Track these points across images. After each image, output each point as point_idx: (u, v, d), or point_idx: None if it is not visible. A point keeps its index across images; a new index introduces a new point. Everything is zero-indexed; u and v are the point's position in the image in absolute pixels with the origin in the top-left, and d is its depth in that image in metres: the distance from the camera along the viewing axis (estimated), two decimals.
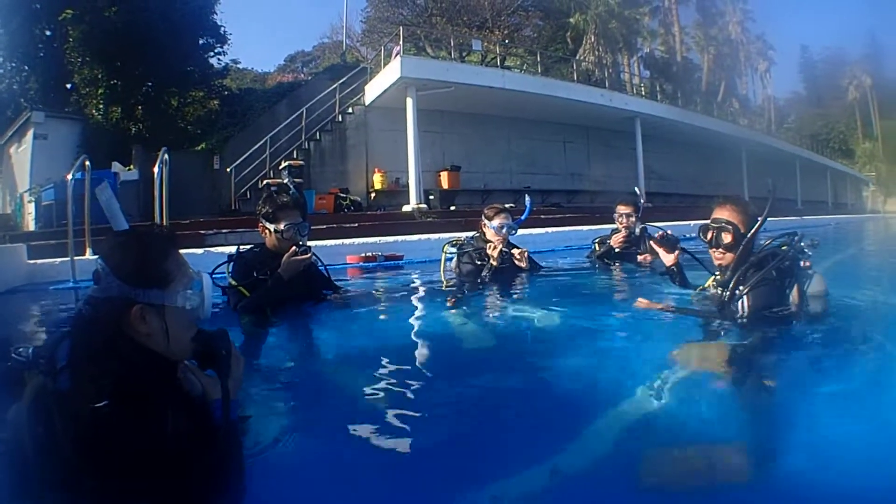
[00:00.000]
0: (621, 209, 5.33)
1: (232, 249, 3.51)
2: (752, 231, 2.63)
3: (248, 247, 3.48)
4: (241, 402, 1.62)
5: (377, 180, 17.37)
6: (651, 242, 3.51)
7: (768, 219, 2.68)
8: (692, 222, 6.84)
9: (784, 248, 2.62)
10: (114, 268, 1.33)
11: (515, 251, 4.45)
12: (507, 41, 26.27)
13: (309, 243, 3.44)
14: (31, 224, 14.76)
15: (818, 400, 1.98)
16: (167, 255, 1.42)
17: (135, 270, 1.35)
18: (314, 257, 3.44)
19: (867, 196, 50.97)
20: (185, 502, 1.26)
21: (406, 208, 15.33)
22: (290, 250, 3.20)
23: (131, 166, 15.46)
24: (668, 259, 3.30)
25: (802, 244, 2.63)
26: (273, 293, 3.16)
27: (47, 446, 1.17)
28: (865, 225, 21.76)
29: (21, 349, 1.30)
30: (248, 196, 16.30)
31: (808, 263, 2.60)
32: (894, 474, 1.47)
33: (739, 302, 2.55)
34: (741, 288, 2.55)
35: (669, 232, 3.33)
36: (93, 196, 7.02)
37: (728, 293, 2.59)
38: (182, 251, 1.49)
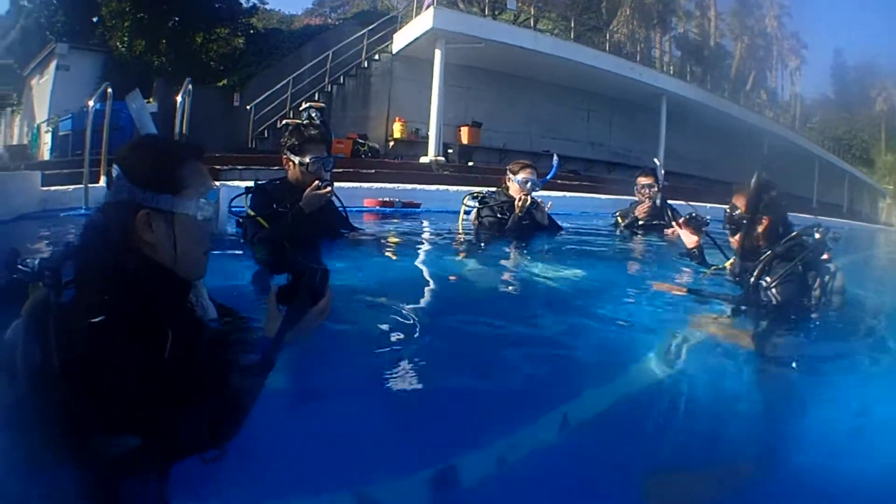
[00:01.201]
0: (642, 180, 5.35)
1: (248, 183, 3.42)
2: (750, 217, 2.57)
3: (268, 180, 3.40)
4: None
5: (397, 129, 17.28)
6: (677, 223, 3.41)
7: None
8: (708, 205, 6.46)
9: (806, 238, 2.53)
10: (126, 169, 1.25)
11: (539, 201, 4.42)
12: (541, 3, 25.83)
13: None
14: (46, 154, 14.79)
15: (831, 391, 1.92)
16: (183, 162, 1.31)
17: (146, 173, 1.25)
18: (334, 195, 3.40)
19: (883, 208, 50.64)
20: (174, 438, 1.15)
21: (423, 160, 15.27)
22: (313, 184, 3.14)
23: (151, 99, 15.38)
24: (690, 241, 3.25)
25: (826, 237, 2.53)
26: (292, 226, 3.09)
27: (38, 365, 1.06)
28: (877, 235, 21.65)
29: (28, 260, 1.18)
30: (266, 135, 16.26)
31: (828, 256, 2.52)
32: None
33: (769, 292, 2.44)
34: (767, 279, 2.45)
35: (697, 215, 3.25)
36: (112, 125, 7.03)
37: (753, 279, 2.49)
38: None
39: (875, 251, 11.14)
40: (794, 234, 2.56)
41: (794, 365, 2.12)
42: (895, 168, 53.88)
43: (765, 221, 2.55)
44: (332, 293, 1.44)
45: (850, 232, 18.27)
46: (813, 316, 2.44)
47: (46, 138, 15.12)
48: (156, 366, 1.13)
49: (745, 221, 2.58)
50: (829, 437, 1.58)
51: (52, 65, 16.78)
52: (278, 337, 1.32)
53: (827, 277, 2.48)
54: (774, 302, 2.40)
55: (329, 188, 3.21)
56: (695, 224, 3.17)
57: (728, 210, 2.66)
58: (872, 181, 46.06)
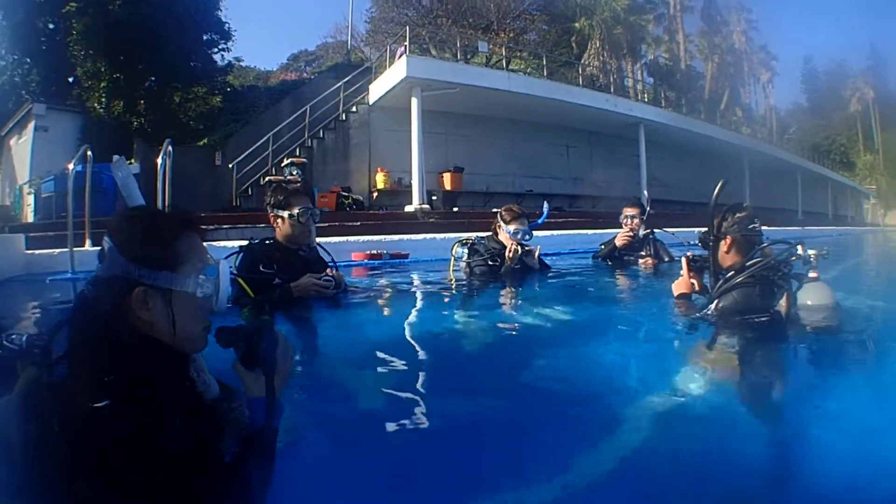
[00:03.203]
0: (628, 211, 5.42)
1: (234, 244, 3.50)
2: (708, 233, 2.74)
3: (259, 240, 3.42)
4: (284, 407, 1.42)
5: (380, 180, 17.34)
6: (683, 260, 3.32)
7: (771, 228, 2.70)
8: (695, 229, 6.89)
9: (779, 254, 2.62)
10: (120, 244, 1.20)
11: (528, 247, 4.48)
12: (511, 44, 26.24)
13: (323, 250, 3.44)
14: (29, 216, 14.74)
15: (822, 407, 1.93)
16: (179, 236, 1.26)
17: (141, 247, 1.20)
18: (315, 259, 3.43)
19: (867, 209, 51.17)
20: None
21: (408, 208, 15.33)
22: (321, 279, 3.18)
23: (132, 160, 15.40)
24: (681, 286, 3.13)
25: (808, 253, 2.62)
26: (278, 300, 3.09)
27: (40, 446, 1.02)
28: (865, 237, 21.85)
29: (14, 336, 1.17)
30: (250, 193, 16.26)
31: (815, 274, 2.60)
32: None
33: (714, 303, 2.63)
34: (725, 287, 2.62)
35: (697, 256, 3.16)
36: (93, 187, 7.02)
37: (714, 293, 2.68)
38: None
39: (861, 257, 11.21)
40: (763, 246, 2.66)
41: (781, 388, 2.17)
42: (875, 167, 54.54)
43: (728, 240, 2.70)
44: (282, 336, 1.39)
45: (839, 238, 18.49)
46: (783, 329, 2.52)
47: (29, 199, 15.07)
48: (166, 451, 1.08)
49: (710, 241, 2.74)
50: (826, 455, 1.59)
51: (31, 125, 16.73)
52: (269, 394, 1.28)
53: (798, 292, 2.57)
54: (712, 311, 2.57)
55: (330, 286, 3.22)
56: (695, 267, 3.08)
57: (702, 235, 2.82)
58: (854, 184, 46.56)
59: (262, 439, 1.25)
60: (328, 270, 3.38)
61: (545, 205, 5.16)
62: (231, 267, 3.13)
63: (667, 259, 5.29)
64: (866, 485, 1.41)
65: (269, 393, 1.28)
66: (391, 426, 1.73)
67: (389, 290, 4.64)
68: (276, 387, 1.30)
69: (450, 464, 1.58)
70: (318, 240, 3.74)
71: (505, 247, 4.38)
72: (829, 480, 1.43)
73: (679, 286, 3.13)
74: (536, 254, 4.50)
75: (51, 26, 18.32)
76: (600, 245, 5.76)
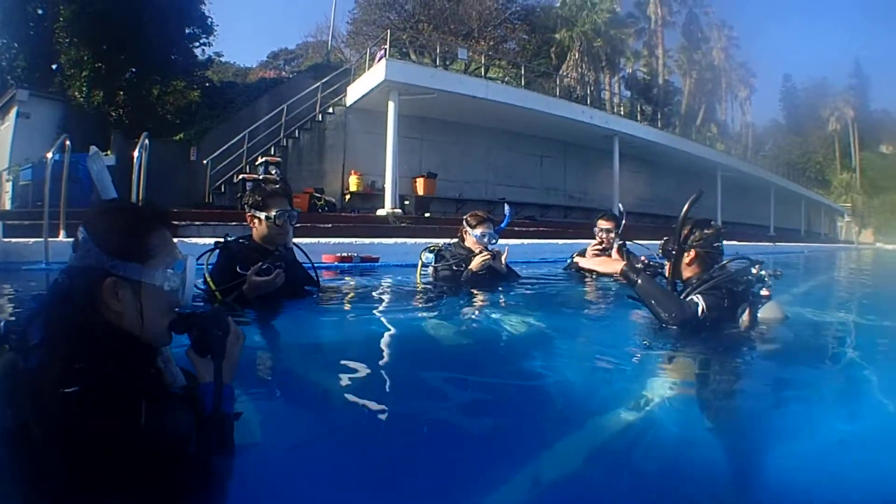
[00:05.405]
0: (602, 224, 5.39)
1: (206, 241, 3.41)
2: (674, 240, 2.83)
3: (234, 238, 3.38)
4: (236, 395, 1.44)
5: (353, 182, 17.33)
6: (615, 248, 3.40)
7: (742, 243, 2.80)
8: (659, 249, 6.99)
9: (740, 272, 2.76)
10: (93, 234, 1.24)
11: (496, 250, 4.45)
12: (491, 52, 26.37)
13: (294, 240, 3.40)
14: (7, 203, 14.56)
15: (785, 417, 2.01)
16: (151, 230, 1.32)
17: (114, 239, 1.25)
18: (291, 260, 3.43)
19: (841, 226, 51.90)
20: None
21: (381, 212, 15.31)
22: (256, 267, 3.07)
23: (109, 152, 15.30)
24: (604, 263, 3.29)
25: (763, 273, 2.77)
26: (240, 300, 3.06)
27: (15, 429, 1.06)
28: (837, 254, 22.21)
29: None
30: (223, 190, 16.21)
31: (767, 293, 2.74)
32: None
33: (698, 306, 2.64)
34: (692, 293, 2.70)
35: (653, 262, 3.32)
36: (70, 177, 7.01)
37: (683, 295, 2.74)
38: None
39: (832, 274, 11.45)
40: (723, 263, 2.77)
41: (741, 397, 2.20)
42: (851, 185, 55.37)
43: (692, 253, 2.80)
44: (233, 323, 1.45)
45: (810, 255, 18.82)
46: (745, 342, 2.62)
47: (7, 187, 14.88)
48: (132, 436, 1.12)
49: (673, 252, 2.82)
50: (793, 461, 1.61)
51: (13, 111, 16.48)
52: (217, 380, 1.32)
53: (760, 307, 2.70)
54: (698, 307, 2.59)
55: (275, 274, 3.09)
56: (650, 271, 3.21)
57: (663, 243, 2.91)
58: (829, 201, 47.12)
59: (212, 423, 1.29)
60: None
61: (506, 207, 5.19)
62: (203, 265, 3.15)
63: None
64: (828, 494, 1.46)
65: (216, 378, 1.33)
66: (357, 426, 1.78)
67: (357, 293, 4.64)
68: (225, 373, 1.35)
69: (407, 470, 1.58)
70: (295, 240, 3.72)
71: (471, 252, 4.40)
72: (788, 491, 1.47)
73: (603, 263, 3.28)
74: (504, 257, 4.48)
75: (40, 12, 18.03)
76: (571, 255, 5.71)
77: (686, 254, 2.81)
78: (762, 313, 2.73)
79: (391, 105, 15.65)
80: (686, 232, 2.83)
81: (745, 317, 2.69)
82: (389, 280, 5.64)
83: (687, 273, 2.84)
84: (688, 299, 2.66)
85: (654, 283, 2.80)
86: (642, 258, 3.25)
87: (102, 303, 1.22)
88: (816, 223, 43.98)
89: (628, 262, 3.00)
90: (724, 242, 2.92)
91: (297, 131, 17.51)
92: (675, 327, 2.65)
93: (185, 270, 1.33)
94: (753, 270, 2.75)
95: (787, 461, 1.60)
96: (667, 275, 2.94)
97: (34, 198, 11.25)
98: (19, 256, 5.76)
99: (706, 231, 2.84)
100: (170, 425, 1.23)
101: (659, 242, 3.04)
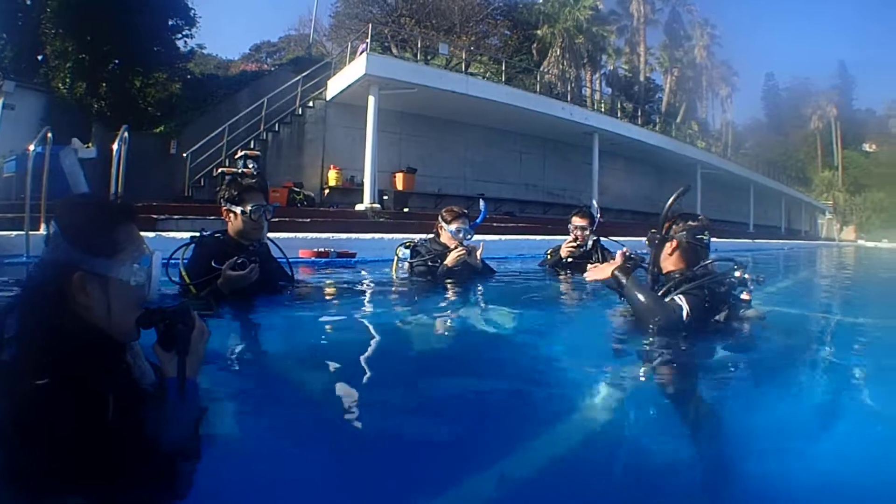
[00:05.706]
0: (577, 221, 5.41)
1: (184, 235, 3.38)
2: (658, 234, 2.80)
3: (210, 232, 3.38)
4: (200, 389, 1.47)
5: (332, 177, 17.37)
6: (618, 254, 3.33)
7: (721, 240, 2.80)
8: (644, 239, 7.14)
9: (722, 272, 2.74)
10: (63, 229, 1.27)
11: (471, 246, 4.47)
12: (472, 48, 26.42)
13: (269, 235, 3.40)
14: None
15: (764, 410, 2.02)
16: (118, 225, 1.33)
17: (82, 234, 1.27)
18: (276, 245, 3.46)
19: (822, 224, 52.49)
20: (124, 498, 1.16)
21: (359, 207, 15.35)
22: (231, 261, 3.04)
23: (90, 143, 15.25)
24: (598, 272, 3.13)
25: (746, 276, 2.74)
26: (216, 294, 3.04)
27: None
28: (817, 251, 22.45)
29: None
30: (203, 184, 16.16)
31: (748, 297, 2.72)
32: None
33: (682, 309, 2.58)
34: (674, 293, 2.65)
35: (633, 253, 3.21)
36: (51, 170, 6.93)
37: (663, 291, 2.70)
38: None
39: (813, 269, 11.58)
40: (707, 263, 2.74)
41: (717, 395, 2.19)
42: (833, 183, 55.94)
43: (674, 243, 2.77)
44: (199, 319, 1.48)
45: (790, 252, 19.03)
46: (723, 342, 2.62)
47: None
48: (99, 429, 1.13)
49: (656, 241, 2.80)
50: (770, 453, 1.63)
51: None
52: (181, 374, 1.36)
53: (742, 311, 2.71)
54: (682, 310, 2.54)
55: (248, 269, 3.05)
56: (632, 263, 3.01)
57: (650, 235, 2.87)
58: (810, 199, 47.56)
59: (176, 416, 1.33)
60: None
61: (482, 202, 5.22)
62: (179, 259, 3.16)
63: None
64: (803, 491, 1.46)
65: (180, 372, 1.36)
66: (324, 425, 1.78)
67: (333, 289, 4.64)
68: (189, 367, 1.38)
69: (380, 464, 1.57)
70: (270, 235, 3.70)
71: (446, 247, 4.42)
72: (766, 490, 1.48)
73: (597, 272, 3.04)
74: (479, 253, 4.48)
75: (28, 2, 17.89)
76: (546, 252, 5.78)
77: (668, 243, 2.78)
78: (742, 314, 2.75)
79: (371, 99, 15.66)
80: (670, 222, 2.81)
81: (725, 315, 2.68)
82: (366, 275, 5.66)
83: (668, 265, 2.80)
84: (669, 299, 2.60)
85: (641, 286, 2.71)
86: (624, 249, 3.15)
87: (71, 297, 1.23)
88: (797, 220, 44.48)
89: (621, 265, 2.90)
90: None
91: (276, 125, 17.50)
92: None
93: (151, 266, 1.34)
94: (737, 273, 2.72)
95: (764, 461, 1.60)
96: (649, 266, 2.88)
97: (19, 191, 11.21)
98: (1, 250, 5.72)
99: (691, 223, 2.81)
100: (137, 420, 1.25)
101: (636, 240, 2.97)
